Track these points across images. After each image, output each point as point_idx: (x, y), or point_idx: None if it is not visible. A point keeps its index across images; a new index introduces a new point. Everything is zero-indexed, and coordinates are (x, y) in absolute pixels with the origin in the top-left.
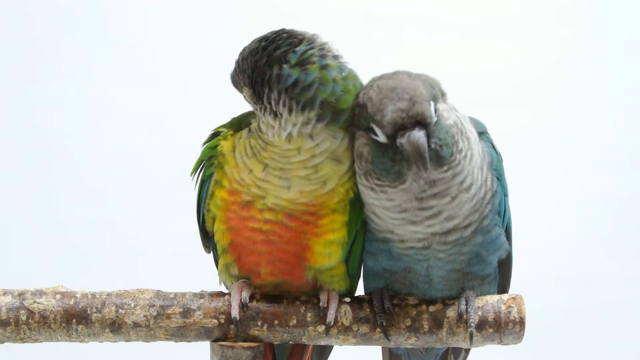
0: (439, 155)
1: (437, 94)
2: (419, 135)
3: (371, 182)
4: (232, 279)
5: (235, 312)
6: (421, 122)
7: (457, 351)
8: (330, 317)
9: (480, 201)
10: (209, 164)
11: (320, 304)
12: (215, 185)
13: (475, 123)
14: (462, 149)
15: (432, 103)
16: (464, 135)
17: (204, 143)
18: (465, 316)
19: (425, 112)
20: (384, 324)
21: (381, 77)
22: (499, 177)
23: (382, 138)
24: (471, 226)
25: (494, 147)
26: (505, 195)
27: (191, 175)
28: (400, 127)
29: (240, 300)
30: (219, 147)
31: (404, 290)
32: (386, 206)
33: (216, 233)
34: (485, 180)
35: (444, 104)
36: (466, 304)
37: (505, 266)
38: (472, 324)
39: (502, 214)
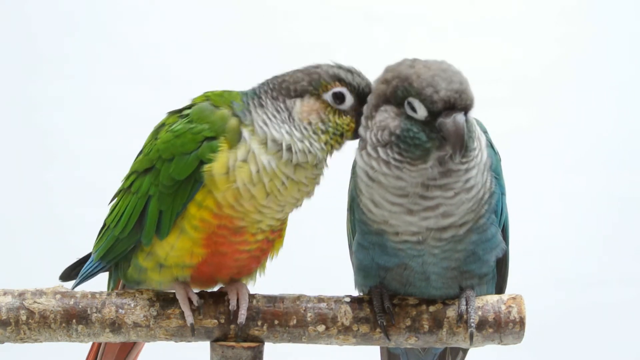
0: (466, 146)
1: None
2: (463, 119)
3: (389, 155)
4: (163, 282)
5: (191, 319)
6: (467, 107)
7: (454, 351)
8: (242, 318)
9: (477, 202)
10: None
11: (230, 307)
12: (194, 203)
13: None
14: (475, 147)
15: None
16: (477, 135)
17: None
18: (465, 316)
19: (473, 99)
20: (384, 323)
21: (417, 60)
22: (497, 177)
23: (421, 114)
24: (466, 225)
25: (492, 147)
26: (503, 194)
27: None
28: (450, 107)
29: (195, 304)
30: (206, 167)
31: (401, 289)
32: (392, 185)
33: (173, 250)
34: (485, 182)
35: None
36: (466, 304)
37: (501, 266)
38: (472, 324)
39: (499, 213)
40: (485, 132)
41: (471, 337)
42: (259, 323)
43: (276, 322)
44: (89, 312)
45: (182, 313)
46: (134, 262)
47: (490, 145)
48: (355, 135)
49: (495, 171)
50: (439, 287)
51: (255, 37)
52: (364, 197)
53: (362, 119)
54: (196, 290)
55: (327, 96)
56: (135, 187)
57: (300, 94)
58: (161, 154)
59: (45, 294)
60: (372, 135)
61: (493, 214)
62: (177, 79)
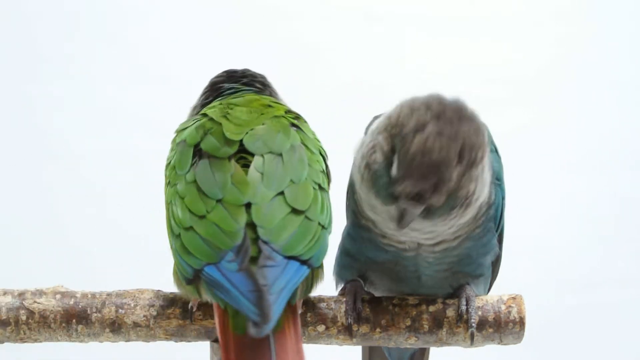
0: (432, 213)
1: (477, 155)
2: (415, 213)
3: (365, 176)
4: None
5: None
6: (427, 208)
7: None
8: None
9: (473, 217)
10: None
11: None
12: None
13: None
14: (468, 203)
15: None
16: (478, 192)
17: None
18: (465, 316)
19: (437, 204)
20: (352, 322)
21: (429, 125)
22: (499, 182)
23: (393, 173)
24: (460, 237)
25: (496, 152)
26: (503, 198)
27: None
28: (409, 198)
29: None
30: None
31: (392, 286)
32: (370, 202)
33: None
34: (485, 198)
35: (481, 165)
36: (467, 304)
37: (493, 266)
38: (472, 324)
39: (498, 219)
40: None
41: (472, 337)
42: None
43: None
44: (89, 312)
45: (182, 313)
46: None
47: (495, 150)
48: None
49: (498, 177)
50: (429, 286)
51: (255, 37)
52: (356, 193)
53: (372, 120)
54: None
55: None
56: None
57: None
58: None
59: (45, 294)
60: (365, 147)
61: (491, 222)
62: (177, 79)
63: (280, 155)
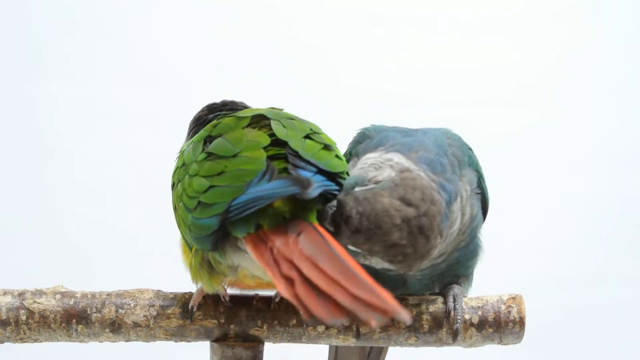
0: None
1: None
2: None
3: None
4: None
5: None
6: None
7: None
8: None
9: (456, 234)
10: None
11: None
12: None
13: (459, 146)
14: (447, 235)
15: None
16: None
17: None
18: (453, 313)
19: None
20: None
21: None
22: (479, 174)
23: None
24: (445, 254)
25: (469, 149)
26: (483, 181)
27: None
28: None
29: None
30: None
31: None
32: None
33: None
34: (467, 216)
35: (456, 205)
36: (454, 302)
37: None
38: (458, 321)
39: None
40: (470, 149)
41: (455, 334)
42: (259, 323)
43: (276, 322)
44: (88, 312)
45: (182, 313)
46: None
47: (469, 149)
48: None
49: (477, 171)
50: (416, 289)
51: (255, 37)
52: None
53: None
54: None
55: None
56: None
57: None
58: None
59: (45, 294)
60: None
61: (476, 229)
62: (177, 79)
63: (292, 119)
